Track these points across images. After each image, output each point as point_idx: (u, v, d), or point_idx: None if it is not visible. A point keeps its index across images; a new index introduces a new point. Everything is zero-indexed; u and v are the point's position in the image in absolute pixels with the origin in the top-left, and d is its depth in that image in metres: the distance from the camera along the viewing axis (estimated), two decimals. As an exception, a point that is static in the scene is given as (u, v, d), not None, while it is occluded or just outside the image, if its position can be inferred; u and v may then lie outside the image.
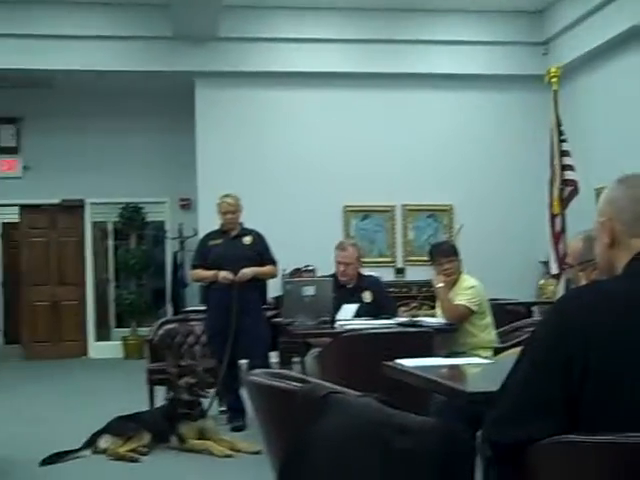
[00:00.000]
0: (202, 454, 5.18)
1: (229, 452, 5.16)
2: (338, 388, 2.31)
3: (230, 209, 6.12)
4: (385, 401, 2.22)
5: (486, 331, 5.17)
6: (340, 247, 5.87)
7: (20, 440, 5.72)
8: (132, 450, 5.15)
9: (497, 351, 4.59)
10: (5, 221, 13.43)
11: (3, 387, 7.81)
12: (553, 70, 7.84)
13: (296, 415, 2.21)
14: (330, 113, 10.31)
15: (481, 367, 3.22)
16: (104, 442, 5.20)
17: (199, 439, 5.31)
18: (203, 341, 6.69)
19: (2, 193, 11.14)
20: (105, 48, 9.87)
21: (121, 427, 5.29)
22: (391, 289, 8.72)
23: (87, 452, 5.19)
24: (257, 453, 4.98)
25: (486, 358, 3.65)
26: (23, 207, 11.57)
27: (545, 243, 7.90)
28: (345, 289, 5.74)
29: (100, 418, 5.47)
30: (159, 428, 5.37)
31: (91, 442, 5.24)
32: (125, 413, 5.49)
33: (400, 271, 10.43)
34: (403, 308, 5.91)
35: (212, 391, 5.78)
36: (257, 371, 2.59)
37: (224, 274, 5.93)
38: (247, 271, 5.97)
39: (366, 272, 6.30)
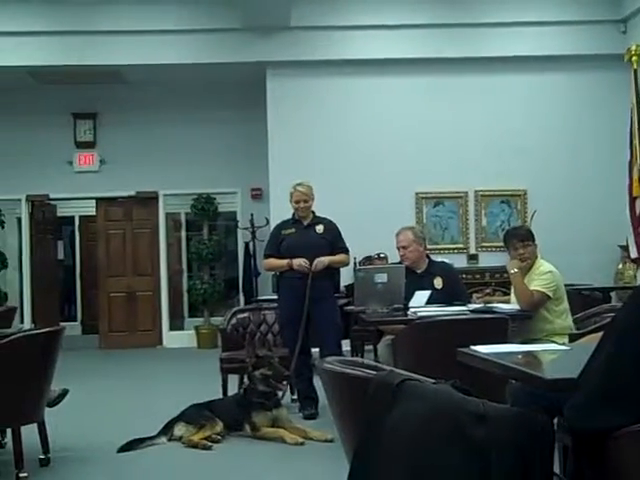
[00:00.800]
0: (275, 442, 5.20)
1: (301, 440, 5.16)
2: (413, 375, 2.27)
3: (303, 197, 6.11)
4: (461, 388, 2.17)
5: (562, 317, 5.05)
6: (397, 233, 5.84)
7: (98, 428, 5.85)
8: (206, 438, 5.20)
9: (573, 337, 4.48)
10: (82, 214, 13.75)
11: (81, 376, 7.97)
12: (634, 48, 7.61)
13: (370, 403, 2.18)
14: (402, 100, 10.21)
15: (559, 353, 3.13)
16: (179, 430, 5.27)
17: (272, 427, 5.34)
18: (275, 330, 6.71)
19: (79, 187, 11.44)
20: (176, 42, 10.00)
21: (195, 415, 5.35)
22: (464, 275, 8.64)
23: (163, 439, 5.26)
24: (330, 441, 4.99)
25: (563, 344, 3.55)
26: (99, 200, 11.81)
27: (624, 227, 7.70)
28: (415, 275, 5.67)
29: (175, 406, 5.54)
30: (233, 416, 5.41)
31: (166, 430, 5.31)
32: (199, 401, 5.55)
33: (473, 257, 10.29)
34: (476, 294, 5.79)
35: (285, 382, 5.78)
36: (330, 359, 2.56)
37: (300, 261, 5.93)
38: (323, 259, 5.95)
39: (438, 258, 6.22)
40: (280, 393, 5.58)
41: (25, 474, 4.40)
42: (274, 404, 5.45)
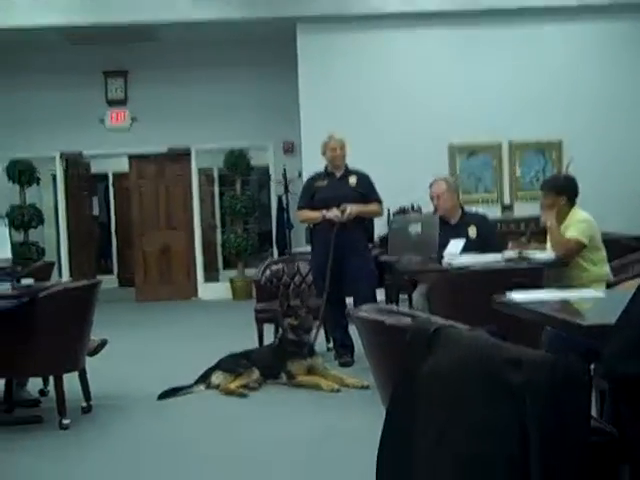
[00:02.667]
0: (311, 390, 5.26)
1: (337, 387, 5.22)
2: (449, 322, 2.27)
3: (339, 145, 6.10)
4: (496, 334, 2.17)
5: (599, 265, 5.00)
6: (430, 183, 5.83)
7: (137, 376, 5.97)
8: (242, 386, 5.28)
9: (610, 285, 4.45)
10: (115, 171, 13.83)
11: (119, 327, 8.08)
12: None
13: (406, 350, 2.19)
14: (434, 52, 10.10)
15: (595, 300, 3.11)
16: (216, 378, 5.36)
17: (308, 375, 5.40)
18: (309, 280, 6.75)
19: (112, 144, 11.49)
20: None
21: (232, 364, 5.43)
22: (499, 226, 8.60)
23: (200, 387, 5.37)
24: (366, 388, 5.03)
25: (600, 291, 3.53)
26: (132, 157, 11.87)
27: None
28: (449, 226, 5.64)
29: (212, 355, 5.62)
30: (269, 365, 5.49)
31: (204, 378, 5.41)
32: (236, 351, 5.62)
33: (507, 208, 10.21)
34: (512, 243, 5.74)
35: (313, 332, 5.75)
36: (366, 307, 2.57)
37: (333, 211, 5.93)
38: (353, 206, 5.94)
39: (472, 209, 6.19)
40: (311, 340, 5.61)
41: (68, 421, 4.53)
42: (309, 352, 5.50)
